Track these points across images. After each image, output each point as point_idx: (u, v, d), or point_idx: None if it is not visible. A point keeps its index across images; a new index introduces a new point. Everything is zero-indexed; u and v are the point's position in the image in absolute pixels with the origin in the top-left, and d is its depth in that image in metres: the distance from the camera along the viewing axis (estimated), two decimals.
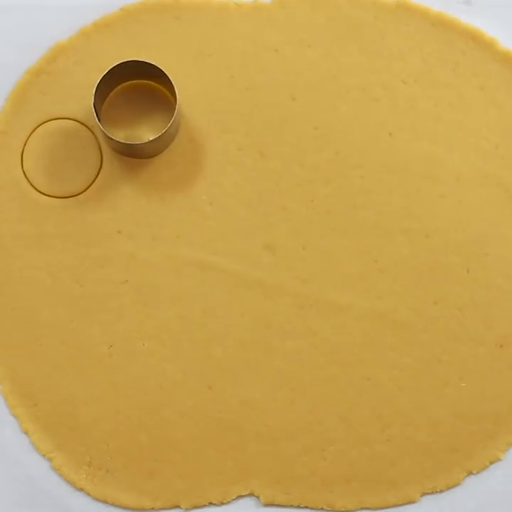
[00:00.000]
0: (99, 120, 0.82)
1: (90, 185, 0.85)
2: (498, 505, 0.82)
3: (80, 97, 0.86)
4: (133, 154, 0.85)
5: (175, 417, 0.83)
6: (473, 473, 0.83)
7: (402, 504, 0.82)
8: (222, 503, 0.82)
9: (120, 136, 0.85)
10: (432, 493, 0.82)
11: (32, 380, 0.83)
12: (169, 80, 0.83)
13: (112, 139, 0.82)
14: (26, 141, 0.86)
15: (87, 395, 0.83)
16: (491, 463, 0.83)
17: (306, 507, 0.82)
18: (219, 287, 0.84)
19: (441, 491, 0.82)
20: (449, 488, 0.82)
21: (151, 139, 0.83)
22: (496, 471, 0.83)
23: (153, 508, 0.82)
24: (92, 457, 0.82)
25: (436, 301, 0.84)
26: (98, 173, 0.86)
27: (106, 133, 0.82)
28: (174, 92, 0.83)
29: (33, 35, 0.87)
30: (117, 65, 0.82)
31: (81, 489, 0.82)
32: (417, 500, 0.82)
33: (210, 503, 0.82)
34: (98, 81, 0.82)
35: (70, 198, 0.85)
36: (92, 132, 0.86)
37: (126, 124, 0.86)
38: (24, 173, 0.86)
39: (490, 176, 0.86)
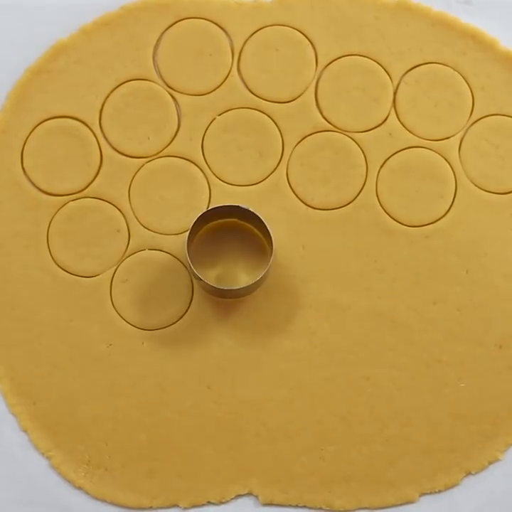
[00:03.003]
0: (190, 261, 0.80)
1: (90, 184, 0.85)
2: (497, 506, 0.82)
3: (80, 95, 0.86)
4: (223, 295, 0.83)
5: (174, 417, 0.83)
6: (471, 474, 0.82)
7: (401, 504, 0.82)
8: (220, 503, 0.82)
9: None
10: (431, 493, 0.82)
11: (31, 378, 0.83)
12: (264, 225, 0.80)
13: (202, 280, 0.80)
14: (26, 140, 0.86)
15: (86, 394, 0.83)
16: (490, 463, 0.82)
17: (305, 507, 0.82)
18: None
19: (439, 491, 0.82)
20: (447, 488, 0.82)
21: (243, 286, 0.81)
22: (495, 472, 0.82)
23: (151, 507, 0.82)
24: (90, 456, 0.82)
25: (436, 301, 0.84)
26: (98, 171, 0.86)
27: (197, 274, 0.79)
28: (268, 234, 0.80)
29: (34, 33, 0.88)
30: (211, 210, 0.81)
31: (80, 488, 0.82)
32: (416, 500, 0.82)
33: (209, 503, 0.82)
34: (192, 223, 0.80)
35: (70, 197, 0.85)
36: (92, 131, 0.86)
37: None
38: (24, 171, 0.86)
39: (489, 176, 0.86)
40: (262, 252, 0.84)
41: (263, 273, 0.80)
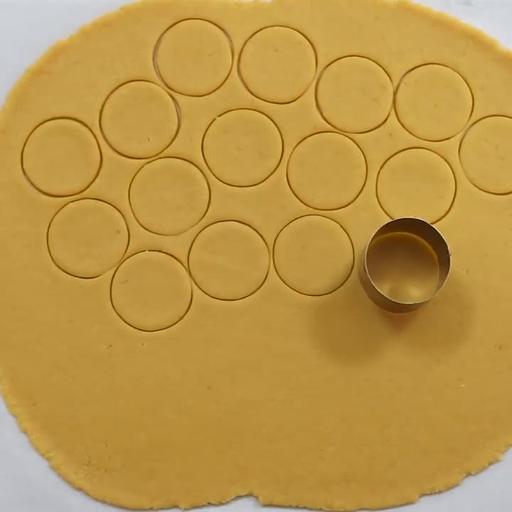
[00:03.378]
0: (367, 272, 0.79)
1: (90, 185, 0.85)
2: (497, 506, 0.82)
3: (80, 96, 0.86)
4: (396, 310, 0.83)
5: (174, 417, 0.83)
6: (471, 474, 0.82)
7: (401, 505, 0.82)
8: (221, 503, 0.82)
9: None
10: (431, 493, 0.82)
11: (31, 379, 0.83)
12: (441, 238, 0.79)
13: (378, 292, 0.79)
14: (26, 141, 0.86)
15: (86, 395, 0.83)
16: (490, 464, 0.82)
17: (305, 507, 0.82)
18: (219, 287, 0.84)
19: (439, 492, 0.82)
20: (447, 488, 0.82)
21: (419, 301, 0.81)
22: (495, 472, 0.82)
23: (151, 508, 0.82)
24: (90, 457, 0.82)
25: (435, 301, 0.84)
26: (98, 172, 0.86)
27: (374, 286, 0.79)
28: (446, 248, 0.79)
29: (34, 34, 0.88)
30: (389, 223, 0.80)
31: (80, 489, 0.82)
32: (416, 501, 0.82)
33: (209, 503, 0.82)
34: (372, 235, 0.79)
35: (70, 197, 0.85)
36: (92, 131, 0.86)
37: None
38: (24, 172, 0.86)
39: (489, 177, 0.86)
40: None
41: (442, 287, 0.79)
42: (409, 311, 0.83)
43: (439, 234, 0.79)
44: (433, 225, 0.80)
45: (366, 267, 0.79)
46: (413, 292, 0.83)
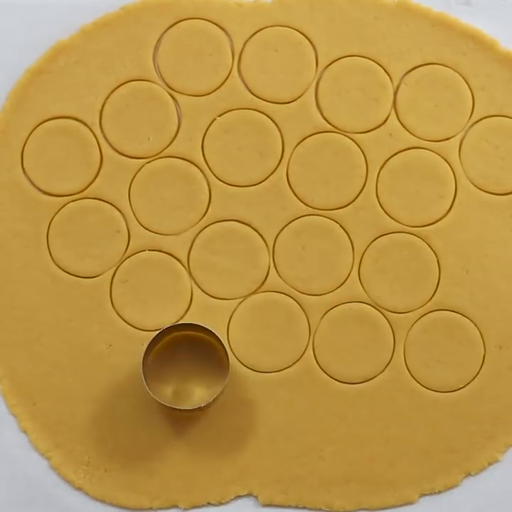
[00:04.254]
0: (145, 378, 0.78)
1: (90, 185, 0.85)
2: (497, 507, 0.82)
3: (80, 96, 0.86)
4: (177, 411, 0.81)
5: (174, 417, 0.83)
6: (471, 475, 0.82)
7: (401, 505, 0.82)
8: (220, 503, 0.82)
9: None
10: (431, 494, 0.82)
11: (31, 378, 0.83)
12: (219, 341, 0.79)
13: (157, 400, 0.78)
14: (26, 140, 0.86)
15: (86, 394, 0.83)
16: (490, 464, 0.82)
17: (305, 507, 0.82)
18: (219, 287, 0.84)
19: (439, 492, 0.82)
20: (447, 489, 0.82)
21: (201, 405, 0.79)
22: (495, 473, 0.82)
23: (151, 508, 0.82)
24: (90, 456, 0.82)
25: (436, 301, 0.84)
26: (98, 172, 0.86)
27: (151, 394, 0.78)
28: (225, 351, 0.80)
29: (34, 34, 0.88)
30: (167, 328, 0.80)
31: (79, 488, 0.82)
32: (415, 501, 0.82)
33: (209, 503, 0.82)
34: (149, 341, 0.79)
35: (70, 197, 0.85)
36: (92, 131, 0.86)
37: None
38: (24, 171, 0.86)
39: (489, 177, 0.86)
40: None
41: (219, 392, 0.79)
42: (193, 413, 0.82)
43: (215, 335, 0.79)
44: (209, 328, 0.79)
45: (142, 370, 0.78)
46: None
